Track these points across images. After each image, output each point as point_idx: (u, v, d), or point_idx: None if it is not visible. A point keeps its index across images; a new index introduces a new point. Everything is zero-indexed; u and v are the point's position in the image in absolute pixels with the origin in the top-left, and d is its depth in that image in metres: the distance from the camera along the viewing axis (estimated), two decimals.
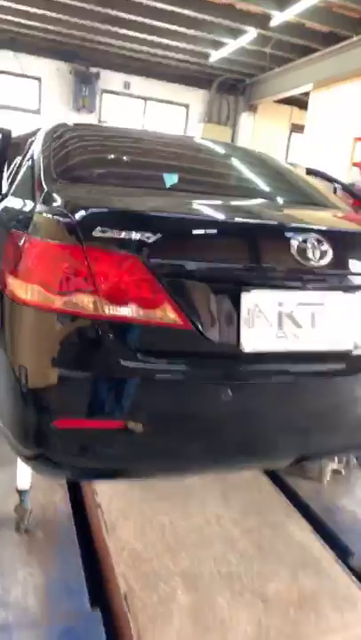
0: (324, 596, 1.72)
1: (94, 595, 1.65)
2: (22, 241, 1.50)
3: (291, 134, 11.75)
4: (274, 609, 1.65)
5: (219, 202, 1.91)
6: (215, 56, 9.41)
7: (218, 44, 9.01)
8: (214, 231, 1.56)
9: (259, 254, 1.55)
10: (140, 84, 10.90)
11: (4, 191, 2.23)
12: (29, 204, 1.70)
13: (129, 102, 11.09)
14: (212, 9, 7.65)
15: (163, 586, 1.68)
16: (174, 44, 8.99)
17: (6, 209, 1.95)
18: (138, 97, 11.07)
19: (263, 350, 1.50)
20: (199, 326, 1.43)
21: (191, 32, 8.43)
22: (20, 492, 1.87)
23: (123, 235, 1.38)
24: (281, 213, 1.96)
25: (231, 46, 8.82)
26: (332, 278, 1.60)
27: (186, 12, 7.63)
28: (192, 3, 7.50)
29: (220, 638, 1.53)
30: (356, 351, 1.61)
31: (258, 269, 1.52)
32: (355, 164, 7.74)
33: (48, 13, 8.06)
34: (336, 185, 4.65)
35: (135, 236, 1.38)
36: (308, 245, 1.50)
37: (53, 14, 8.07)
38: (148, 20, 8.04)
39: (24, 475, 1.85)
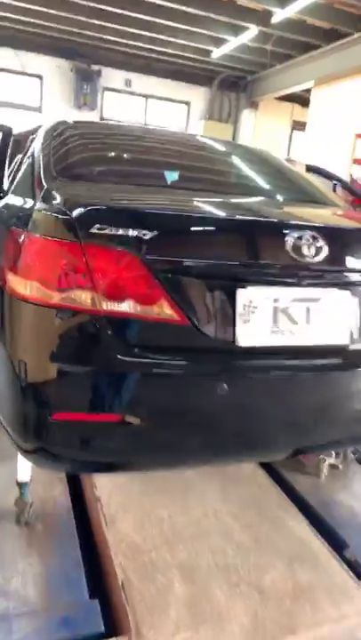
0: (321, 588, 1.74)
1: (93, 586, 1.68)
2: (22, 238, 1.52)
3: (292, 131, 11.72)
4: (270, 600, 1.67)
5: (216, 199, 1.92)
6: (216, 53, 9.38)
7: (219, 41, 8.99)
8: (210, 228, 1.59)
9: (254, 251, 1.57)
10: (141, 82, 10.89)
11: (4, 188, 2.25)
12: (29, 202, 1.72)
13: (130, 100, 11.08)
14: (213, 6, 7.63)
15: (160, 577, 1.70)
16: (175, 41, 8.97)
17: (7, 206, 1.96)
18: (139, 94, 11.07)
19: (259, 345, 1.53)
20: (195, 322, 1.45)
21: (192, 29, 8.42)
22: (20, 485, 1.90)
23: (120, 232, 1.40)
24: (278, 211, 1.97)
25: (232, 43, 8.80)
26: (328, 274, 1.62)
27: (187, 8, 7.61)
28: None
29: (216, 629, 1.55)
30: (351, 346, 1.64)
31: (253, 266, 1.54)
32: (356, 161, 7.74)
33: (48, 10, 8.05)
34: (335, 182, 4.66)
35: (132, 232, 1.40)
36: (304, 242, 1.52)
37: (54, 11, 8.06)
38: (149, 17, 8.03)
39: (24, 468, 1.88)
